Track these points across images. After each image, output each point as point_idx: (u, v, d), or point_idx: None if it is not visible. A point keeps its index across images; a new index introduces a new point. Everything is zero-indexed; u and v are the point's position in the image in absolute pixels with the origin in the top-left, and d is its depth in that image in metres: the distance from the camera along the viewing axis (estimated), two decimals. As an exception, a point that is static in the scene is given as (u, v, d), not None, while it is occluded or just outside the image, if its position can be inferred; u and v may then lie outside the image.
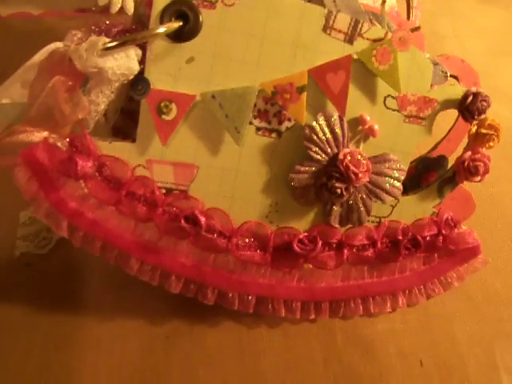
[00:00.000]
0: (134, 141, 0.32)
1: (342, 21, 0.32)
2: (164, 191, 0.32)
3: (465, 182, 0.36)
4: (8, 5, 0.60)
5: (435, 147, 0.38)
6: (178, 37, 0.30)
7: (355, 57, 0.32)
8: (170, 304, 0.35)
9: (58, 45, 0.32)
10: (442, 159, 0.37)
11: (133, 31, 0.31)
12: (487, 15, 0.62)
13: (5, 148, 0.30)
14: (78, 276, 0.36)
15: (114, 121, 0.34)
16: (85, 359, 0.33)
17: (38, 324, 0.34)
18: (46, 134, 0.30)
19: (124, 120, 0.35)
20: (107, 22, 0.30)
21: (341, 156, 0.31)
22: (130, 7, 0.57)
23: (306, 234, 0.33)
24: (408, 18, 0.43)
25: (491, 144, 0.35)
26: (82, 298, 0.35)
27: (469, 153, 0.35)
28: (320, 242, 0.33)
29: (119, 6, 0.59)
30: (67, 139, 0.31)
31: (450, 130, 0.38)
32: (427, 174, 0.37)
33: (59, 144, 0.31)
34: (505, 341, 0.36)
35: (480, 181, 0.35)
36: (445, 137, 0.38)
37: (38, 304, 0.35)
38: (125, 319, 0.35)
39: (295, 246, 0.32)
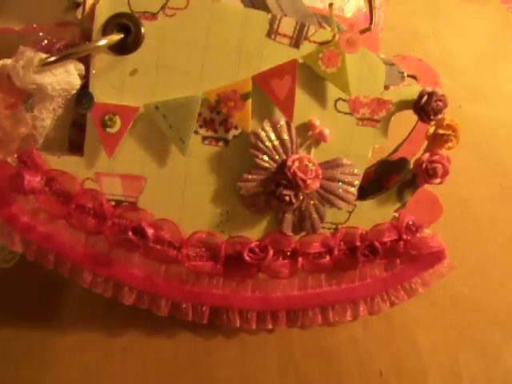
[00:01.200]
0: (82, 154, 0.32)
1: (287, 25, 0.31)
2: (113, 203, 0.32)
3: (437, 184, 0.35)
4: (-10, 22, 0.61)
5: (396, 150, 0.38)
6: (120, 49, 0.30)
7: (301, 61, 0.31)
8: (127, 315, 0.34)
9: (5, 61, 0.32)
10: (403, 161, 0.36)
11: (76, 45, 0.31)
12: (468, 14, 0.60)
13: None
14: (40, 289, 0.36)
15: (65, 134, 0.34)
16: (44, 371, 0.33)
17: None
18: (-8, 150, 0.31)
19: (77, 132, 0.35)
20: (48, 38, 0.31)
21: (289, 163, 0.31)
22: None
23: (257, 242, 0.32)
24: (371, 18, 0.42)
25: (450, 145, 0.34)
26: (43, 311, 0.35)
27: (427, 154, 0.34)
28: (271, 251, 0.32)
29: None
30: (15, 155, 0.31)
31: (411, 132, 0.37)
32: (388, 177, 0.36)
33: (8, 160, 0.31)
34: (471, 348, 0.35)
35: (440, 183, 0.34)
36: (406, 139, 0.37)
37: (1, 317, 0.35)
38: (83, 331, 0.35)
39: (246, 255, 0.32)
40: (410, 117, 0.35)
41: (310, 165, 0.31)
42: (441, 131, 0.33)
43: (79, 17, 0.63)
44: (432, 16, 0.61)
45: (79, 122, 0.35)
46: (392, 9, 0.62)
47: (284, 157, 0.31)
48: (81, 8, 0.63)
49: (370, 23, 0.41)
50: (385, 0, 0.64)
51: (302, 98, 0.32)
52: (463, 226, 0.41)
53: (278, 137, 0.31)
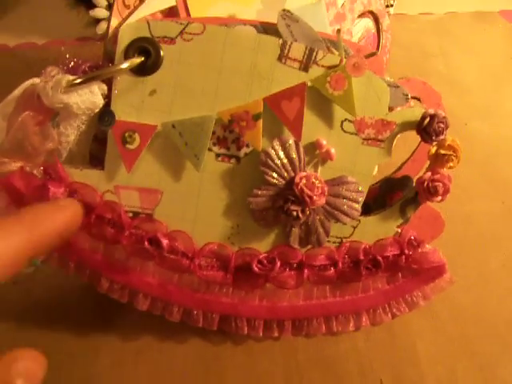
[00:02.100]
0: (103, 168, 0.34)
1: (297, 50, 0.33)
2: (131, 215, 0.34)
3: (438, 202, 0.36)
4: (15, 36, 0.64)
5: (400, 168, 0.39)
6: (140, 71, 0.33)
7: (310, 84, 0.33)
8: (140, 320, 0.36)
9: (35, 80, 0.34)
10: (407, 179, 0.38)
11: (100, 67, 0.34)
12: (476, 33, 0.62)
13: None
14: (58, 294, 0.38)
15: (87, 148, 0.36)
16: (60, 372, 0.35)
17: (19, 338, 0.36)
18: (21, 163, 0.33)
19: (98, 147, 0.37)
20: (75, 60, 0.33)
21: (296, 180, 0.32)
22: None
23: (265, 254, 0.34)
24: (379, 41, 0.44)
25: (451, 164, 0.35)
26: (60, 315, 0.37)
27: (428, 173, 0.35)
28: (278, 263, 0.34)
29: (117, 34, 0.62)
30: (41, 168, 0.34)
31: (414, 151, 0.39)
32: (392, 194, 0.38)
33: (35, 172, 0.34)
34: (468, 360, 0.36)
35: (441, 200, 0.35)
36: (410, 157, 0.39)
37: (20, 320, 0.37)
38: (98, 334, 0.37)
39: (254, 266, 0.34)
40: (414, 137, 0.37)
41: (317, 182, 0.33)
42: (442, 151, 0.35)
43: (99, 32, 0.66)
44: (440, 35, 0.62)
45: (100, 137, 0.37)
46: (401, 27, 0.64)
47: (292, 174, 0.33)
48: (100, 23, 0.66)
49: (378, 46, 0.43)
50: (395, 19, 0.66)
51: (310, 119, 0.33)
52: (466, 241, 0.42)
53: (287, 155, 0.33)
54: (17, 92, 0.35)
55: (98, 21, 0.62)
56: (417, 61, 0.58)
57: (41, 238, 0.21)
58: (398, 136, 0.35)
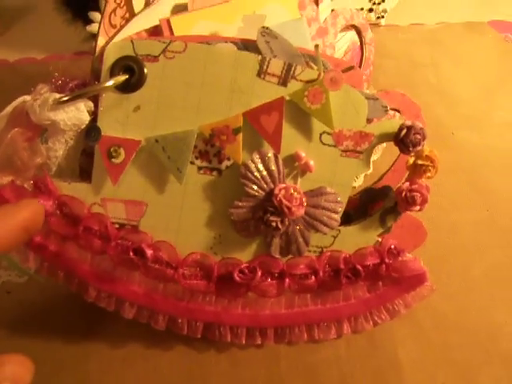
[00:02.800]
0: (90, 181, 0.35)
1: (276, 65, 0.34)
2: (117, 226, 0.35)
3: (426, 209, 0.37)
4: (15, 51, 0.66)
5: (381, 178, 0.40)
6: (125, 88, 0.34)
7: (288, 98, 0.34)
8: (128, 328, 0.37)
9: (26, 98, 0.36)
10: (387, 189, 0.38)
11: (87, 84, 0.35)
12: (466, 44, 0.63)
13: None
14: (50, 303, 0.40)
15: (76, 162, 0.38)
16: (50, 377, 0.36)
17: (10, 346, 0.37)
18: (12, 177, 0.34)
19: (87, 160, 0.39)
20: (63, 78, 0.34)
21: (276, 191, 0.33)
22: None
23: (246, 264, 0.35)
24: (362, 53, 0.45)
25: (429, 175, 0.36)
26: (51, 323, 0.39)
27: (407, 184, 0.36)
28: (260, 272, 0.35)
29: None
30: (31, 181, 0.35)
31: (394, 161, 0.40)
32: (373, 204, 0.39)
33: (25, 185, 0.35)
34: (451, 369, 0.36)
35: (420, 210, 0.36)
36: (390, 168, 0.40)
37: (11, 328, 0.38)
38: (87, 342, 0.38)
39: (236, 275, 0.35)
40: (394, 147, 0.38)
41: (295, 193, 0.34)
42: (420, 162, 0.36)
43: (97, 47, 0.68)
44: (431, 45, 0.63)
45: (88, 152, 0.39)
46: (393, 38, 0.64)
47: (272, 186, 0.34)
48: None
49: (361, 59, 0.44)
50: (386, 29, 0.67)
51: (288, 132, 0.34)
52: (450, 250, 0.43)
53: (267, 168, 0.34)
54: (8, 109, 0.36)
55: (94, 36, 0.64)
56: (407, 71, 0.59)
57: (3, 232, 0.23)
58: (384, 147, 0.36)
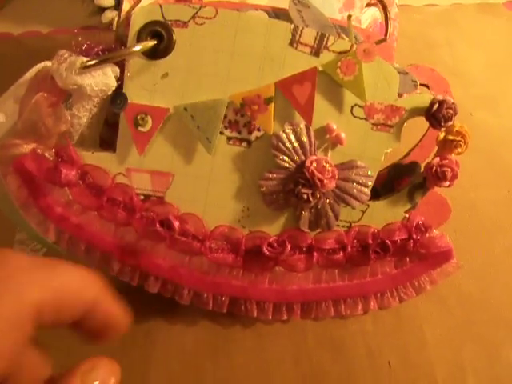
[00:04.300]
0: (114, 151, 0.34)
1: (308, 35, 0.33)
2: (142, 197, 0.34)
3: (446, 187, 0.36)
4: (19, 24, 0.64)
5: (408, 154, 0.39)
6: (153, 54, 0.33)
7: (321, 69, 0.33)
8: (151, 303, 0.37)
9: (47, 63, 0.35)
10: (414, 165, 0.38)
11: (112, 50, 0.34)
12: (481, 25, 0.62)
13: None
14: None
15: (98, 132, 0.37)
16: (71, 352, 0.35)
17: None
18: (33, 145, 0.33)
19: (109, 131, 0.37)
20: (88, 42, 0.33)
21: (307, 163, 0.33)
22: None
23: (275, 237, 0.35)
24: (386, 29, 0.44)
25: (459, 150, 0.35)
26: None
27: (437, 159, 0.35)
28: (289, 246, 0.34)
29: (122, 22, 0.62)
30: (53, 150, 0.34)
31: (422, 137, 0.39)
32: (400, 180, 0.38)
33: (46, 154, 0.34)
34: (475, 344, 0.36)
35: (449, 186, 0.36)
36: (417, 144, 0.39)
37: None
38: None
39: (265, 249, 0.34)
40: (421, 123, 0.37)
41: (327, 166, 0.33)
42: (450, 137, 0.35)
43: (103, 21, 0.66)
44: (446, 26, 0.63)
45: (111, 121, 0.37)
46: (407, 18, 0.64)
47: (303, 158, 0.33)
48: (105, 12, 0.66)
49: (386, 34, 0.43)
50: (400, 10, 0.66)
51: (320, 104, 0.34)
52: (471, 228, 0.43)
53: (298, 139, 0.33)
54: (28, 75, 0.35)
55: (102, 9, 0.62)
56: (422, 51, 0.58)
57: None
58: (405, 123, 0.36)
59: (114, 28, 0.62)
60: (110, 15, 0.62)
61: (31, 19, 0.64)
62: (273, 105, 0.33)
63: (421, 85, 0.38)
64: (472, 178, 0.45)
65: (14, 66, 0.60)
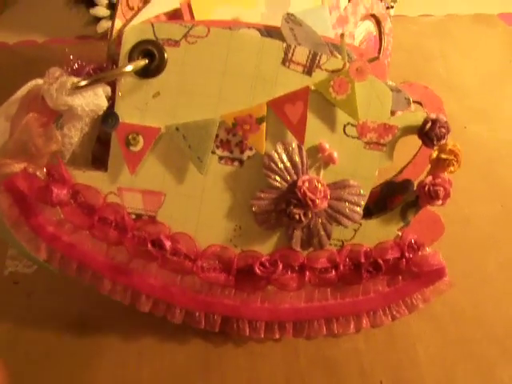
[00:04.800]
0: (106, 170, 0.34)
1: (301, 54, 0.33)
2: (134, 217, 0.34)
3: (439, 206, 0.36)
4: (15, 33, 0.64)
5: (401, 171, 0.39)
6: (144, 73, 0.33)
7: (313, 88, 0.33)
8: (143, 321, 0.36)
9: (39, 82, 0.34)
10: (407, 183, 0.38)
11: (104, 69, 0.34)
12: (476, 36, 0.62)
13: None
14: (59, 294, 0.38)
15: (90, 150, 0.36)
16: (62, 373, 0.35)
17: (20, 339, 0.36)
18: (24, 164, 0.33)
19: (101, 149, 0.37)
20: (79, 62, 0.33)
21: (299, 183, 0.33)
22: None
23: (267, 257, 0.34)
24: (380, 44, 0.44)
25: (452, 169, 0.35)
26: (62, 315, 0.38)
27: (430, 178, 0.35)
28: (281, 265, 0.34)
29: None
30: (44, 169, 0.34)
31: (415, 155, 0.39)
32: (392, 198, 0.38)
33: (38, 173, 0.34)
34: (468, 363, 0.36)
35: (442, 204, 0.36)
36: (410, 161, 0.39)
37: (21, 320, 0.37)
38: (100, 335, 0.37)
39: (257, 268, 0.34)
40: (414, 140, 0.37)
41: (319, 185, 0.33)
42: (443, 156, 0.35)
43: (99, 31, 0.66)
44: (441, 37, 0.63)
45: (103, 139, 0.37)
46: (402, 29, 0.64)
47: (295, 177, 0.33)
48: (101, 22, 0.66)
49: (379, 49, 0.43)
50: (396, 20, 0.66)
51: (313, 123, 0.34)
52: (465, 244, 0.43)
53: (290, 159, 0.33)
54: (20, 93, 0.35)
55: (98, 19, 0.62)
56: (417, 63, 0.58)
57: None
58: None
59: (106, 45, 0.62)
60: (105, 25, 0.62)
61: (26, 29, 0.64)
62: (265, 124, 0.33)
63: (414, 102, 0.38)
64: (466, 193, 0.45)
65: (10, 75, 0.60)
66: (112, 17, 0.64)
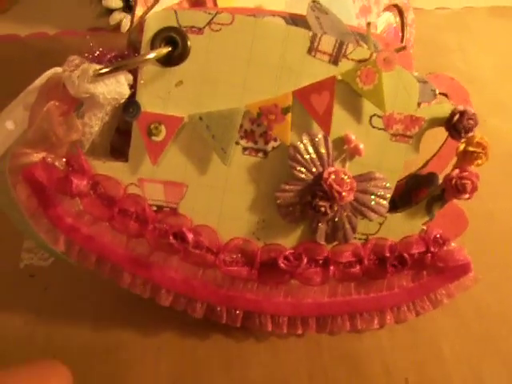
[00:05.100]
0: (126, 160, 0.33)
1: (327, 43, 0.32)
2: (155, 208, 0.33)
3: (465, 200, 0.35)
4: (26, 26, 0.63)
5: (426, 164, 0.39)
6: (167, 61, 0.32)
7: (340, 77, 0.32)
8: (162, 316, 0.36)
9: (58, 70, 0.34)
10: (432, 176, 0.37)
11: (125, 57, 0.33)
12: (494, 28, 0.61)
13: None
14: (76, 288, 0.38)
15: (109, 140, 0.36)
16: (80, 367, 0.34)
17: (37, 333, 0.36)
18: (43, 154, 0.32)
19: (120, 139, 0.37)
20: (100, 49, 0.32)
21: (325, 175, 0.32)
22: (125, 26, 0.60)
23: (291, 250, 0.34)
24: (402, 35, 0.43)
25: (479, 162, 0.35)
26: (79, 309, 0.37)
27: (456, 171, 0.35)
28: (305, 259, 0.33)
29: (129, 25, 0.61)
30: (64, 159, 0.33)
31: (440, 147, 0.38)
32: (417, 191, 0.37)
33: (57, 164, 0.33)
34: (494, 359, 0.36)
35: (468, 198, 0.35)
36: (436, 154, 0.38)
37: (38, 314, 0.37)
38: (119, 330, 0.36)
39: (280, 262, 0.33)
40: (439, 132, 0.36)
41: (346, 178, 0.32)
42: (471, 148, 0.34)
43: (111, 23, 0.65)
44: (457, 30, 0.62)
45: (123, 129, 0.37)
46: (419, 22, 0.63)
47: (320, 169, 0.32)
48: (113, 14, 0.65)
49: (402, 40, 0.43)
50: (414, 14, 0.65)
51: (338, 113, 0.33)
52: (488, 239, 0.42)
53: (316, 150, 0.32)
54: (38, 82, 0.34)
55: (110, 11, 0.62)
56: (435, 56, 0.57)
57: None
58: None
59: (122, 30, 0.61)
60: (117, 17, 0.62)
61: (38, 20, 0.63)
62: (290, 114, 0.32)
63: (440, 94, 0.37)
64: (489, 188, 0.44)
65: (22, 68, 0.59)
66: (125, 9, 0.64)
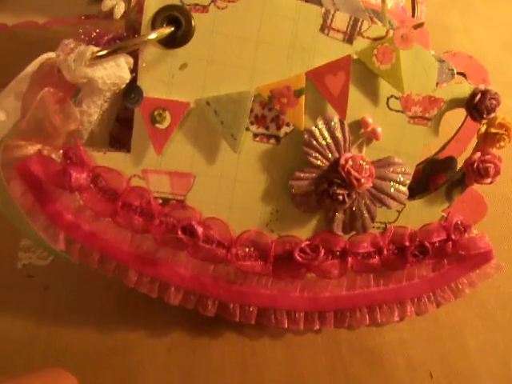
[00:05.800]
0: (129, 150, 0.31)
1: (341, 20, 0.30)
2: (161, 201, 0.31)
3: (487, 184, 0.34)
4: (14, 15, 0.60)
5: (443, 148, 0.37)
6: (170, 43, 0.29)
7: (355, 57, 0.30)
8: (171, 315, 0.34)
9: (50, 55, 0.31)
10: (451, 160, 0.35)
11: (124, 38, 0.30)
12: (498, 8, 0.60)
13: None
14: (78, 287, 0.36)
15: (109, 129, 0.33)
16: (85, 372, 0.32)
17: (39, 336, 0.34)
18: (39, 146, 0.30)
19: (120, 128, 0.34)
20: (97, 30, 0.30)
21: (342, 161, 0.30)
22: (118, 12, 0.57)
23: (307, 242, 0.32)
24: (413, 13, 0.41)
25: (502, 144, 0.33)
26: (82, 310, 0.35)
27: (478, 154, 0.33)
28: (322, 251, 0.31)
29: (122, 11, 0.59)
30: (61, 151, 0.30)
31: (458, 130, 0.36)
32: (435, 177, 0.36)
33: (53, 156, 0.31)
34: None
35: (491, 183, 0.33)
36: (453, 137, 0.37)
37: (38, 316, 0.34)
38: (125, 331, 0.34)
39: (297, 255, 0.31)
40: (455, 114, 0.34)
41: (364, 163, 0.30)
42: (493, 130, 0.33)
43: (103, 10, 0.62)
44: (462, 10, 0.60)
45: (122, 117, 0.34)
46: (421, 2, 0.61)
47: (337, 155, 0.31)
48: (105, 0, 0.62)
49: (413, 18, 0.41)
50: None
51: (354, 95, 0.31)
52: (506, 224, 0.41)
53: (332, 135, 0.30)
54: (30, 68, 0.31)
55: (101, -3, 0.59)
56: (440, 37, 0.55)
57: None
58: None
59: (115, 16, 0.58)
60: (110, 3, 0.58)
61: (26, 9, 0.60)
62: (304, 97, 0.30)
63: (458, 73, 0.35)
64: (504, 171, 0.43)
65: (10, 58, 0.56)
66: (116, -6, 0.60)
